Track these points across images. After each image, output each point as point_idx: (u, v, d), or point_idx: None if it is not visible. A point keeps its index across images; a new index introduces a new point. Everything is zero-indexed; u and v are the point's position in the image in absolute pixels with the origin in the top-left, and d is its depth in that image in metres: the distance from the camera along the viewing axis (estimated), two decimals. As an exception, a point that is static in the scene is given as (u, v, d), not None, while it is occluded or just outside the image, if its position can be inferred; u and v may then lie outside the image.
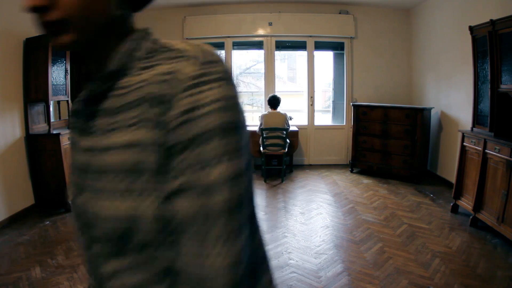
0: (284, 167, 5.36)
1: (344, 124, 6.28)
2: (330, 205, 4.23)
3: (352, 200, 4.39)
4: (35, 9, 0.47)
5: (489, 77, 3.35)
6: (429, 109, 5.17)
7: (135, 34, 0.58)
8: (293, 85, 9.01)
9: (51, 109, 4.11)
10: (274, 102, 5.39)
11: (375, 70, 6.16)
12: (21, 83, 3.95)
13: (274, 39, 6.11)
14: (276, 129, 5.17)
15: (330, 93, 6.66)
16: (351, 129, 5.81)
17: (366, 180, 5.27)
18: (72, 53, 4.37)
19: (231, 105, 0.49)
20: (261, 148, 5.23)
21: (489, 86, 3.35)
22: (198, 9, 6.06)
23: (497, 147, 3.18)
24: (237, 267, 0.47)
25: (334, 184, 5.11)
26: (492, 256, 2.93)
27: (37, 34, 3.93)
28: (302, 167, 6.17)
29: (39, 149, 4.01)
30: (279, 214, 3.98)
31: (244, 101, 7.87)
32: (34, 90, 3.97)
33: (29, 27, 3.98)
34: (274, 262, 2.87)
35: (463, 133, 3.79)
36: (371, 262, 2.86)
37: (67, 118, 4.44)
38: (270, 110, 5.41)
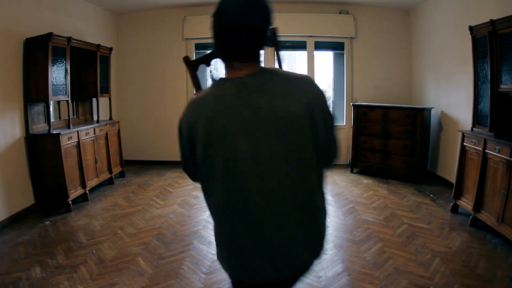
0: (284, 167, 5.34)
1: (344, 124, 6.28)
2: (330, 205, 4.23)
3: (352, 200, 4.39)
4: None
5: (489, 77, 3.35)
6: (429, 109, 5.17)
7: None
8: (293, 85, 9.00)
9: (51, 109, 4.10)
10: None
11: (375, 70, 6.16)
12: (21, 83, 3.95)
13: (274, 39, 6.10)
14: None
15: (330, 93, 6.65)
16: (351, 129, 5.81)
17: (366, 180, 5.27)
18: (72, 54, 4.37)
19: None
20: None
21: (489, 86, 3.35)
22: (198, 9, 6.05)
23: (497, 147, 3.18)
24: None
25: (334, 184, 5.11)
26: (492, 256, 2.93)
27: (37, 34, 3.93)
28: (302, 167, 6.16)
29: (39, 149, 4.01)
30: (279, 214, 3.97)
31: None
32: (34, 90, 3.97)
33: (29, 27, 4.00)
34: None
35: (463, 133, 3.79)
36: (371, 262, 2.86)
37: (67, 118, 4.44)
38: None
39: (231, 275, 1.19)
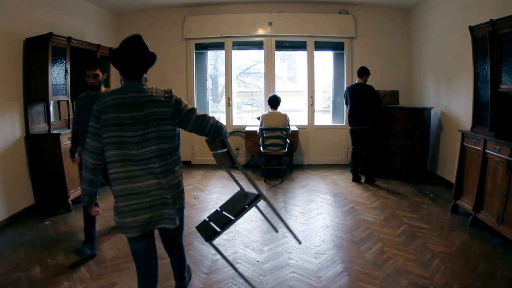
0: (284, 167, 5.35)
1: (344, 124, 6.27)
2: (330, 205, 4.23)
3: (352, 200, 4.39)
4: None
5: (489, 77, 3.35)
6: (429, 109, 5.17)
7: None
8: (293, 85, 9.01)
9: (51, 109, 4.11)
10: (274, 102, 5.39)
11: (375, 70, 6.14)
12: (21, 83, 3.95)
13: (274, 39, 6.12)
14: (276, 129, 5.17)
15: (330, 93, 6.66)
16: (351, 129, 5.80)
17: (366, 180, 5.27)
18: (72, 54, 4.37)
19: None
20: (261, 148, 5.23)
21: (489, 86, 3.35)
22: (198, 9, 6.06)
23: (497, 147, 3.18)
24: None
25: (334, 184, 5.11)
26: (492, 256, 2.93)
27: (37, 34, 3.93)
28: (302, 167, 6.17)
29: (39, 149, 4.01)
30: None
31: (244, 101, 7.87)
32: (34, 90, 3.97)
33: (29, 27, 4.00)
34: (274, 262, 2.87)
35: (463, 133, 3.79)
36: (371, 262, 2.86)
37: (67, 118, 4.44)
38: (270, 110, 5.41)
39: None
